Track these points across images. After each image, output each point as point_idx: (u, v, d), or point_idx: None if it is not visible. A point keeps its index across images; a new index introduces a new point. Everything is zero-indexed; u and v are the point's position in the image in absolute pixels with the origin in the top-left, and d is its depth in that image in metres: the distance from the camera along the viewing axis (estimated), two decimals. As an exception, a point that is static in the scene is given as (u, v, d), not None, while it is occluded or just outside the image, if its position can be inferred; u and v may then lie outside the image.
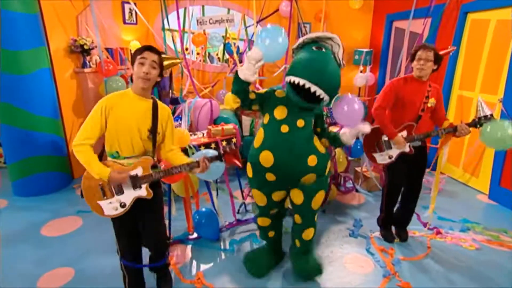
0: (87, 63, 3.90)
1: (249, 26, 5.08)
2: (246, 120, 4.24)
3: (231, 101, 4.38)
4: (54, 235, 2.79)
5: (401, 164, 2.51)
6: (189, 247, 2.64)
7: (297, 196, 2.11)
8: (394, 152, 2.49)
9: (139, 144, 1.76)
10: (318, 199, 2.11)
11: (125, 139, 1.73)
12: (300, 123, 1.95)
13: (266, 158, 1.97)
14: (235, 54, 4.78)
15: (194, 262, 2.46)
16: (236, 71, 1.85)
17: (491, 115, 2.28)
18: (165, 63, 2.53)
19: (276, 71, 5.15)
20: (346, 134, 2.03)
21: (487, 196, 3.57)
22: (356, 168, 3.96)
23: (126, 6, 4.43)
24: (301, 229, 2.21)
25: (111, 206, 1.74)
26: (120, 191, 1.75)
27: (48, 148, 3.55)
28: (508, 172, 3.34)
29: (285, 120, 1.94)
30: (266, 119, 2.03)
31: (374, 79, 5.56)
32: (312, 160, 1.98)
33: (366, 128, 2.01)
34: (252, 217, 3.04)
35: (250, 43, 5.07)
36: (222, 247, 2.66)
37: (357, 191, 3.71)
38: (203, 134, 2.95)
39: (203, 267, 2.41)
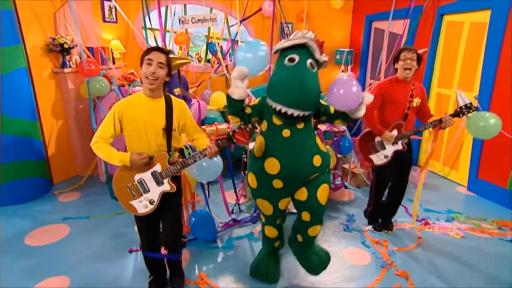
0: (67, 62, 3.77)
1: (232, 25, 5.11)
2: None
3: (217, 101, 4.40)
4: (41, 244, 2.69)
5: (389, 161, 2.67)
6: (186, 248, 2.63)
7: (300, 193, 2.08)
8: (389, 151, 2.65)
9: (155, 144, 1.84)
10: (322, 192, 2.06)
11: (141, 141, 1.82)
12: (300, 124, 1.94)
13: (272, 165, 1.96)
14: (219, 54, 4.79)
15: (195, 263, 2.47)
16: (227, 94, 1.86)
17: (471, 103, 2.46)
18: (175, 63, 2.52)
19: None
20: (354, 112, 1.92)
21: (466, 188, 3.82)
22: (344, 165, 4.10)
23: (106, 3, 4.33)
24: (308, 226, 2.15)
25: (142, 205, 1.85)
26: (146, 189, 1.84)
27: (26, 152, 3.40)
28: (484, 165, 3.60)
29: (285, 125, 1.92)
30: (264, 126, 2.01)
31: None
32: (317, 160, 1.99)
33: (369, 97, 1.87)
34: (247, 216, 3.07)
35: (234, 42, 5.11)
36: (220, 246, 2.68)
37: (346, 187, 3.85)
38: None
39: (204, 267, 2.42)
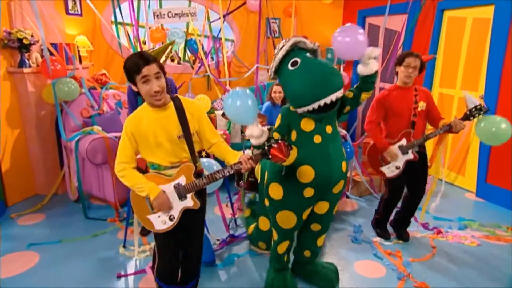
0: (26, 61, 3.72)
1: (214, 21, 5.24)
2: (221, 126, 4.36)
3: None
4: (7, 276, 2.62)
5: (402, 174, 2.87)
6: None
7: (322, 207, 2.32)
8: (400, 162, 2.85)
9: (174, 153, 1.86)
10: (337, 204, 2.42)
11: (157, 155, 1.85)
12: (329, 129, 2.13)
13: (306, 173, 2.10)
14: (201, 52, 4.89)
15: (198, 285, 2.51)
16: (251, 145, 2.01)
17: (480, 105, 2.69)
18: (161, 55, 2.55)
19: (245, 72, 5.36)
20: (363, 68, 2.09)
21: (475, 194, 4.10)
22: (344, 173, 4.28)
23: (70, -7, 4.33)
24: (317, 237, 2.44)
25: (160, 220, 1.87)
26: None
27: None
28: (493, 169, 3.90)
29: (315, 131, 2.10)
30: (293, 136, 2.16)
31: (348, 79, 6.06)
32: (344, 166, 2.21)
33: (375, 51, 2.03)
34: (246, 231, 3.15)
35: (215, 40, 5.23)
36: (221, 265, 2.75)
37: (348, 197, 4.02)
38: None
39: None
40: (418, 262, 2.82)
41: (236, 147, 3.96)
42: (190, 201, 1.87)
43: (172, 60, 6.38)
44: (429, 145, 4.58)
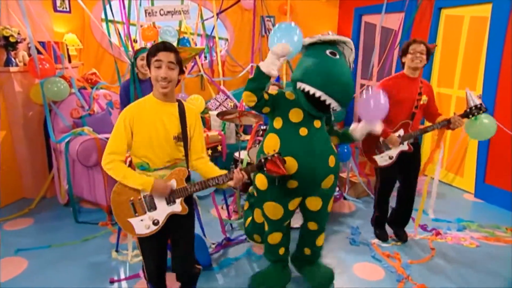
0: (12, 60, 3.71)
1: (207, 19, 5.26)
2: (215, 126, 4.38)
3: (194, 105, 4.49)
4: (-7, 282, 2.62)
5: (394, 162, 2.91)
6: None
7: (314, 203, 2.37)
8: (394, 152, 2.89)
9: (168, 153, 1.86)
10: (331, 201, 2.47)
11: (153, 149, 1.83)
12: (317, 123, 2.20)
13: (289, 165, 2.13)
14: (194, 51, 4.91)
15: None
16: (257, 66, 2.02)
17: (481, 104, 2.76)
18: (186, 56, 2.58)
19: (239, 72, 5.39)
20: (359, 131, 2.32)
21: (473, 195, 4.17)
22: (341, 174, 4.32)
23: (58, -10, 4.32)
24: (315, 236, 2.48)
25: (143, 224, 1.83)
26: (152, 207, 1.84)
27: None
28: (492, 169, 3.97)
29: (302, 123, 2.17)
30: (278, 123, 2.23)
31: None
32: (332, 161, 2.26)
33: (378, 127, 2.31)
34: (242, 234, 3.17)
35: (209, 39, 5.25)
36: (218, 269, 2.76)
37: (345, 198, 4.06)
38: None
39: (203, 293, 2.49)
40: (417, 264, 2.86)
41: (231, 147, 4.00)
42: (178, 206, 1.85)
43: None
44: (426, 147, 4.65)
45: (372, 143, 2.93)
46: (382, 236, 3.20)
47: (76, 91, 3.78)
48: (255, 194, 2.46)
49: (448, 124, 2.80)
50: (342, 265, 2.83)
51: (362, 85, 5.79)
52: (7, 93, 3.77)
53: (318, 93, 2.02)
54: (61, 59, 4.01)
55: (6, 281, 2.62)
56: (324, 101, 2.03)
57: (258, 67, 2.01)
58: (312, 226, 2.46)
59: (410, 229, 3.30)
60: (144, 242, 1.95)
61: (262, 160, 1.81)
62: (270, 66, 1.98)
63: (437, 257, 2.96)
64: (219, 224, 3.11)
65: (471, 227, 3.45)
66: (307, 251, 2.56)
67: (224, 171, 1.91)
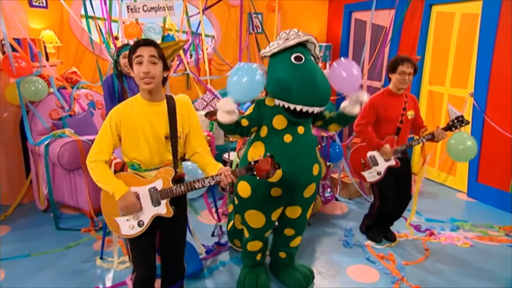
0: (-15, 59, 3.64)
1: (193, 15, 5.26)
2: (202, 127, 4.37)
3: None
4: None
5: (388, 180, 3.01)
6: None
7: (294, 211, 2.43)
8: (382, 168, 2.99)
9: (159, 154, 1.87)
10: (311, 209, 2.55)
11: (142, 151, 1.85)
12: (301, 129, 2.25)
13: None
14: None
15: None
16: (217, 121, 2.12)
17: (462, 116, 2.88)
18: (168, 51, 2.54)
19: (227, 70, 5.39)
20: (348, 105, 2.29)
21: (466, 194, 4.27)
22: (333, 175, 4.37)
23: (33, -17, 4.26)
24: (290, 240, 2.55)
25: (128, 224, 1.86)
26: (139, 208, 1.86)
27: None
28: (484, 168, 4.07)
29: (286, 129, 2.23)
30: (264, 131, 2.28)
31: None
32: (315, 169, 2.33)
33: (363, 95, 2.29)
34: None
35: (195, 36, 5.24)
36: (208, 274, 2.77)
37: (337, 199, 4.11)
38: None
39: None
40: (411, 265, 2.91)
41: (220, 149, 4.00)
42: (163, 208, 1.85)
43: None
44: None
45: (359, 160, 3.04)
46: (375, 238, 3.25)
47: (55, 91, 3.73)
48: (236, 201, 2.48)
49: (432, 137, 2.90)
50: (336, 268, 2.86)
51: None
52: (-20, 93, 3.70)
53: (298, 107, 2.09)
54: (38, 57, 3.94)
55: (-17, 292, 2.58)
56: (306, 111, 2.10)
57: (217, 121, 2.13)
58: (289, 232, 2.52)
59: (406, 230, 3.37)
60: (132, 243, 1.96)
61: (252, 163, 1.81)
62: (224, 117, 2.07)
63: (432, 257, 3.02)
64: (208, 228, 3.12)
65: (464, 226, 3.53)
66: (282, 254, 2.61)
67: (218, 165, 1.89)
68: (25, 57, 3.70)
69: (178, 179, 1.93)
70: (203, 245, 3.03)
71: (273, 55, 2.24)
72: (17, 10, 4.10)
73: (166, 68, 1.85)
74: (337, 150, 3.95)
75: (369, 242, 3.23)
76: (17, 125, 3.89)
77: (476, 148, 2.88)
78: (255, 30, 5.67)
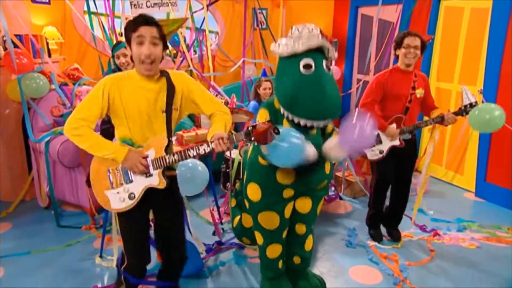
0: (-14, 55, 3.65)
1: (196, 11, 5.23)
2: (205, 124, 4.35)
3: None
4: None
5: (390, 159, 2.95)
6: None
7: (305, 205, 2.36)
8: (385, 147, 2.92)
9: (154, 130, 1.82)
10: (321, 203, 2.47)
11: (136, 127, 1.80)
12: (313, 131, 2.15)
13: (287, 175, 2.14)
14: (183, 45, 4.87)
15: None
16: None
17: (476, 102, 2.80)
18: (167, 29, 2.49)
19: (231, 67, 5.36)
20: (333, 152, 2.14)
21: (474, 194, 4.19)
22: (337, 173, 4.33)
23: (35, -21, 4.26)
24: (303, 240, 2.47)
25: (118, 197, 1.79)
26: (129, 179, 1.79)
27: None
28: (493, 167, 3.99)
29: (298, 131, 2.11)
30: None
31: (340, 73, 6.13)
32: (327, 168, 2.27)
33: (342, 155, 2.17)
34: (233, 237, 3.16)
35: (199, 32, 5.22)
36: (208, 273, 2.76)
37: (341, 198, 4.07)
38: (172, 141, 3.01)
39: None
40: (415, 266, 2.87)
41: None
42: (155, 179, 1.78)
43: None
44: (424, 143, 4.67)
45: None
46: (376, 236, 3.21)
47: (57, 87, 3.73)
48: (246, 204, 2.42)
49: (441, 120, 2.82)
50: (338, 269, 2.83)
51: (358, 80, 5.80)
52: (-19, 89, 3.72)
53: (302, 122, 2.00)
54: (40, 53, 3.95)
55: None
56: (313, 125, 2.02)
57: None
58: (300, 228, 2.43)
59: (411, 229, 3.33)
60: (123, 221, 1.90)
61: (250, 128, 1.70)
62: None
63: (436, 258, 2.98)
64: (208, 227, 3.10)
65: (471, 227, 3.47)
66: (296, 259, 2.51)
67: (216, 129, 1.82)
68: (27, 54, 3.70)
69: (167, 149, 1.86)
70: (204, 244, 3.02)
71: (281, 59, 2.14)
72: (19, 6, 4.10)
73: (165, 47, 1.82)
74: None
75: (372, 242, 3.19)
76: (19, 122, 3.91)
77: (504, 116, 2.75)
78: (260, 26, 5.63)
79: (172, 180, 1.90)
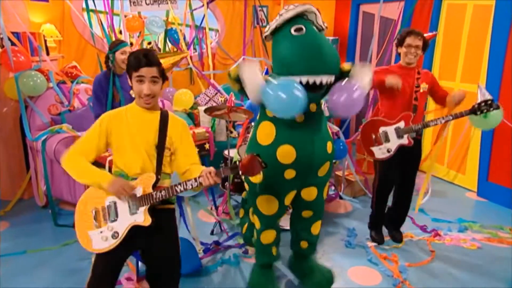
0: (-17, 53, 3.63)
1: (196, 8, 5.20)
2: (204, 123, 4.33)
3: (182, 101, 4.44)
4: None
5: (393, 159, 2.89)
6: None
7: (310, 193, 2.36)
8: (393, 145, 2.86)
9: (147, 163, 1.82)
10: (326, 188, 2.49)
11: (131, 157, 1.81)
12: (313, 107, 2.15)
13: (287, 153, 2.14)
14: (182, 43, 4.84)
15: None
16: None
17: (492, 100, 2.64)
18: (168, 63, 2.52)
19: (231, 65, 5.33)
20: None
21: (476, 193, 4.15)
22: (337, 172, 4.30)
23: (34, -23, 4.23)
24: (310, 224, 2.48)
25: (101, 237, 1.74)
26: (114, 218, 1.76)
27: None
28: (495, 166, 3.95)
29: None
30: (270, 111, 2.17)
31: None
32: (329, 147, 2.26)
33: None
34: (233, 234, 3.14)
35: (198, 30, 5.19)
36: (204, 273, 2.73)
37: (341, 198, 4.03)
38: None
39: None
40: (415, 266, 2.84)
41: (221, 145, 3.96)
42: (140, 216, 1.73)
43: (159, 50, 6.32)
44: (427, 142, 4.63)
45: (371, 134, 2.90)
46: (378, 239, 3.17)
47: (55, 86, 3.71)
48: (247, 187, 2.43)
49: (454, 118, 2.73)
50: (337, 270, 2.78)
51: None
52: (-22, 87, 3.70)
53: (304, 79, 1.98)
54: (38, 51, 3.93)
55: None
56: (315, 82, 1.99)
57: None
58: (307, 213, 2.45)
59: (411, 230, 3.30)
60: (101, 257, 1.80)
61: (238, 162, 1.73)
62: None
63: (437, 259, 2.94)
64: (207, 226, 3.08)
65: (473, 227, 3.43)
66: (303, 244, 2.54)
67: (201, 168, 1.80)
68: (24, 51, 3.68)
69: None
70: (202, 243, 2.99)
71: (274, 33, 2.16)
72: (17, 4, 4.07)
73: (164, 80, 1.86)
74: (341, 147, 3.87)
75: (372, 243, 3.16)
76: (17, 120, 3.88)
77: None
78: (260, 24, 5.59)
79: (164, 215, 1.87)
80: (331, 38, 5.68)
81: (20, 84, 3.51)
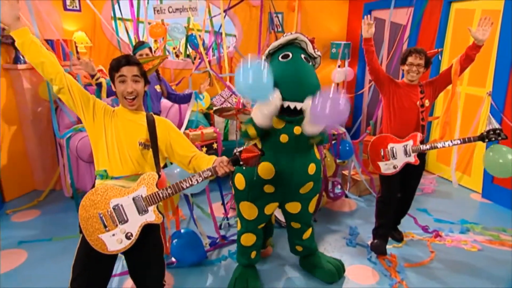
0: (21, 57, 3.68)
1: (215, 15, 5.12)
2: (219, 123, 4.25)
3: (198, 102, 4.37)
4: (-7, 273, 2.58)
5: (399, 171, 2.70)
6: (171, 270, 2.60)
7: (294, 207, 2.31)
8: (400, 162, 2.69)
9: (129, 161, 1.74)
10: (313, 203, 2.39)
11: (114, 154, 1.73)
12: (297, 130, 2.07)
13: (267, 170, 2.10)
14: (201, 48, 4.78)
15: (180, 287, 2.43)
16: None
17: (500, 129, 2.51)
18: (149, 66, 2.50)
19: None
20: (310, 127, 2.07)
21: (481, 195, 3.89)
22: (344, 172, 4.13)
23: (67, -12, 4.26)
24: (301, 233, 2.44)
25: (115, 239, 1.64)
26: (123, 219, 1.66)
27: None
28: (500, 168, 3.67)
29: (283, 129, 2.08)
30: None
31: (353, 74, 5.86)
32: (311, 169, 2.18)
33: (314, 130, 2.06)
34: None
35: (217, 35, 5.11)
36: (208, 266, 2.66)
37: (346, 196, 3.87)
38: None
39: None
40: (413, 267, 2.67)
41: (234, 144, 3.86)
42: (152, 215, 1.67)
43: (177, 56, 6.30)
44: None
45: (379, 149, 2.74)
46: (378, 248, 2.80)
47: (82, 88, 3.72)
48: (233, 190, 2.39)
49: (467, 141, 2.55)
50: (336, 267, 2.66)
51: (370, 81, 5.51)
52: (16, 89, 3.77)
53: (285, 104, 1.99)
54: (70, 56, 3.96)
55: (4, 273, 2.59)
56: (294, 107, 1.99)
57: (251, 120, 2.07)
58: (295, 225, 2.42)
59: (413, 230, 3.13)
60: (82, 249, 1.70)
61: (237, 153, 1.67)
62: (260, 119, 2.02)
63: (436, 260, 2.76)
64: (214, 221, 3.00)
65: (475, 229, 3.20)
66: (298, 248, 2.51)
67: (212, 158, 1.75)
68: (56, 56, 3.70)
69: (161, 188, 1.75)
70: (208, 237, 2.92)
71: (268, 58, 2.18)
72: (52, 14, 4.12)
73: (146, 83, 1.82)
74: (347, 148, 3.71)
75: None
76: (50, 119, 3.92)
77: None
78: (275, 29, 5.45)
79: (150, 230, 1.74)
80: (343, 42, 5.47)
81: (51, 86, 3.53)
